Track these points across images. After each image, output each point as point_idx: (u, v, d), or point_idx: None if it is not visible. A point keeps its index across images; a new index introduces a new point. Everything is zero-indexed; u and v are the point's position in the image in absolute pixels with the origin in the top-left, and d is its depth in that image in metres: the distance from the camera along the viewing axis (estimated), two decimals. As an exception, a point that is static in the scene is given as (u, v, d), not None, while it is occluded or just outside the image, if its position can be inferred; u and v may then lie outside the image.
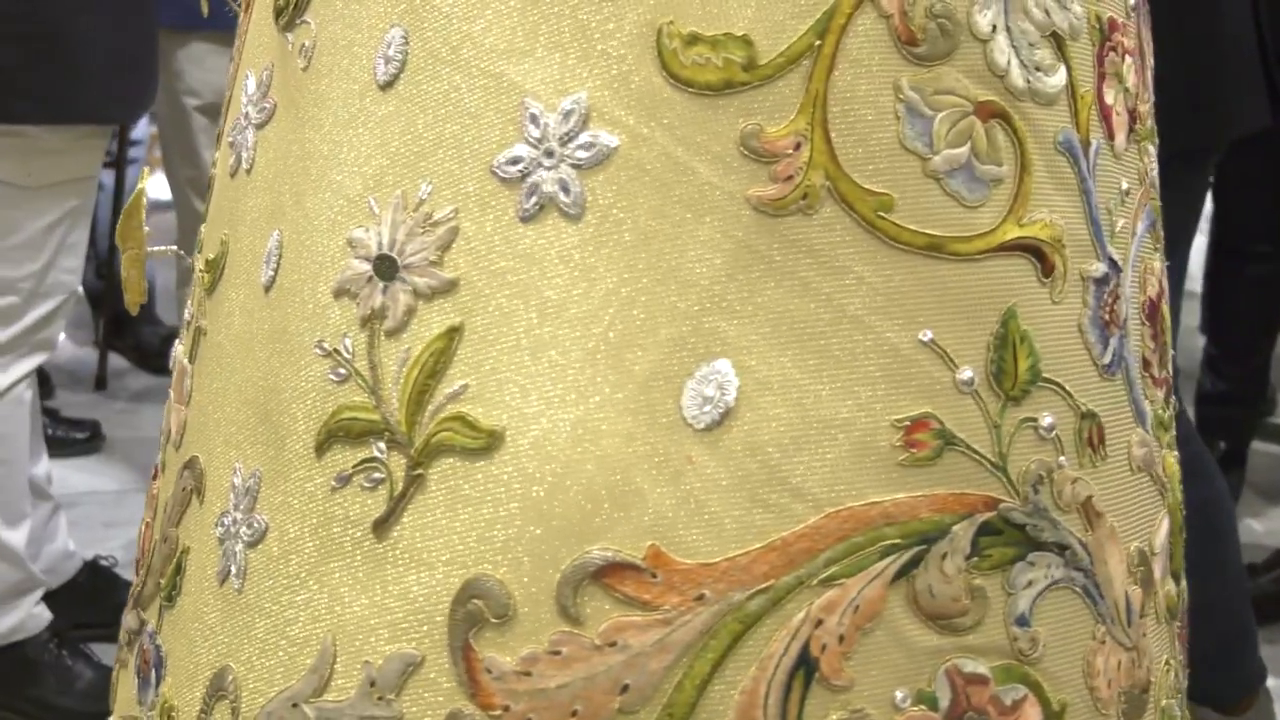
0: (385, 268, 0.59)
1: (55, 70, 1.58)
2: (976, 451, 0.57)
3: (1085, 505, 0.60)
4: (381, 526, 0.58)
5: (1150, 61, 0.70)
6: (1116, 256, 0.63)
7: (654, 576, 0.54)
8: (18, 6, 1.56)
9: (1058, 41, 0.60)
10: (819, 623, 0.54)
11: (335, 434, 0.60)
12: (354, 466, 0.59)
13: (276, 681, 0.59)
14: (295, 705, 0.58)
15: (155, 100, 1.90)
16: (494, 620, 0.55)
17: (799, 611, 0.54)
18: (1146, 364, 0.65)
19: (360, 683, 0.57)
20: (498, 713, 0.54)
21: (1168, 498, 0.67)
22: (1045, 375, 0.59)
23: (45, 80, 1.58)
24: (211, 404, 0.68)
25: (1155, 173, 0.70)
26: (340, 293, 0.60)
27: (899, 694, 0.55)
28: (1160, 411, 0.67)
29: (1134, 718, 0.62)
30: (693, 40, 0.56)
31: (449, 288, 0.58)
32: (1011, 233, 0.58)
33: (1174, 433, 0.71)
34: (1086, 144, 0.61)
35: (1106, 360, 0.61)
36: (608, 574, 0.54)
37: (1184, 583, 0.69)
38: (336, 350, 0.60)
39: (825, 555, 0.54)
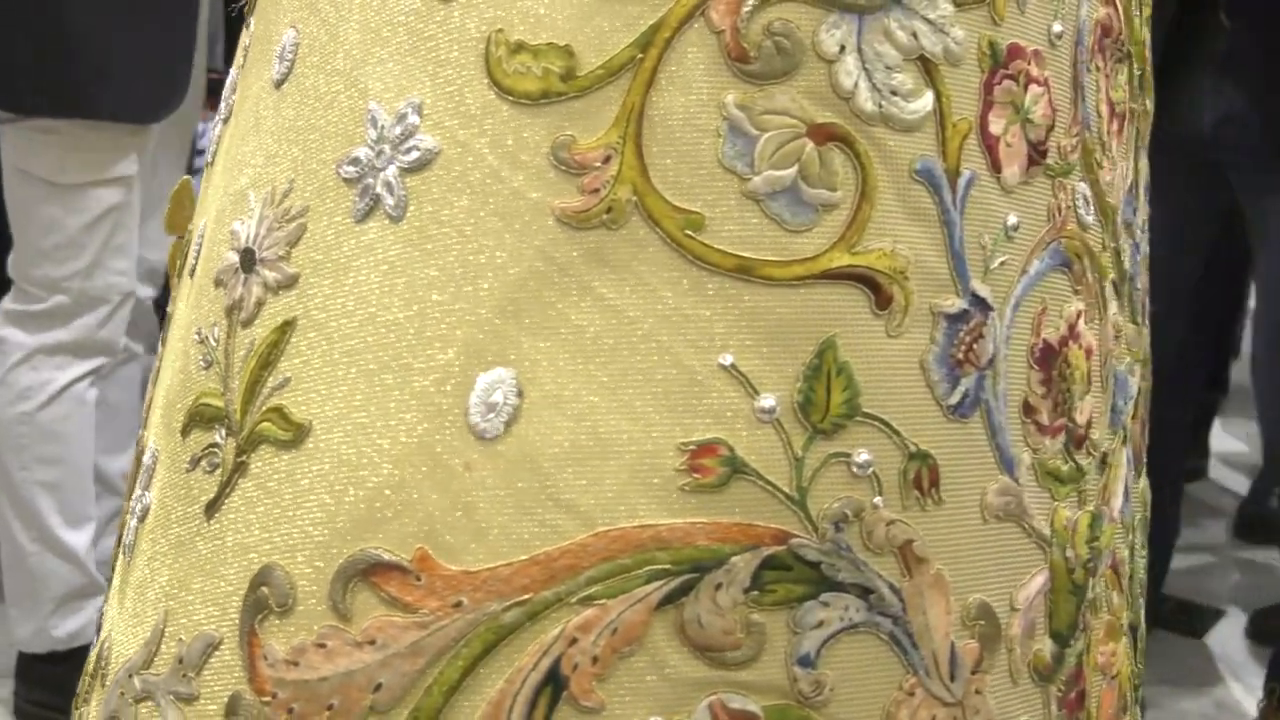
0: (247, 260, 0.62)
1: (70, 67, 1.65)
2: (770, 483, 0.55)
3: (903, 549, 0.57)
4: (210, 510, 0.60)
5: (1091, 94, 0.66)
6: (986, 294, 0.60)
7: (418, 579, 0.54)
8: (34, 2, 1.63)
9: (926, 66, 0.58)
10: (573, 641, 0.54)
11: (194, 418, 0.63)
12: (202, 450, 0.61)
13: (128, 652, 0.63)
14: (130, 676, 0.61)
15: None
16: (276, 609, 0.56)
17: (554, 628, 0.54)
18: (1030, 410, 0.62)
19: (172, 659, 0.59)
20: (267, 699, 0.56)
21: (1051, 553, 0.63)
22: (867, 410, 0.56)
23: (59, 76, 1.65)
24: (157, 388, 0.72)
25: (1089, 210, 0.66)
26: (218, 283, 0.63)
27: None
28: (1056, 463, 0.63)
29: None
30: (518, 49, 0.56)
31: (291, 282, 0.60)
32: (839, 260, 0.56)
33: (1097, 487, 0.67)
34: (955, 174, 0.59)
35: (953, 401, 0.58)
36: (376, 573, 0.55)
37: (1079, 644, 0.65)
38: (206, 338, 0.63)
39: (588, 574, 0.54)
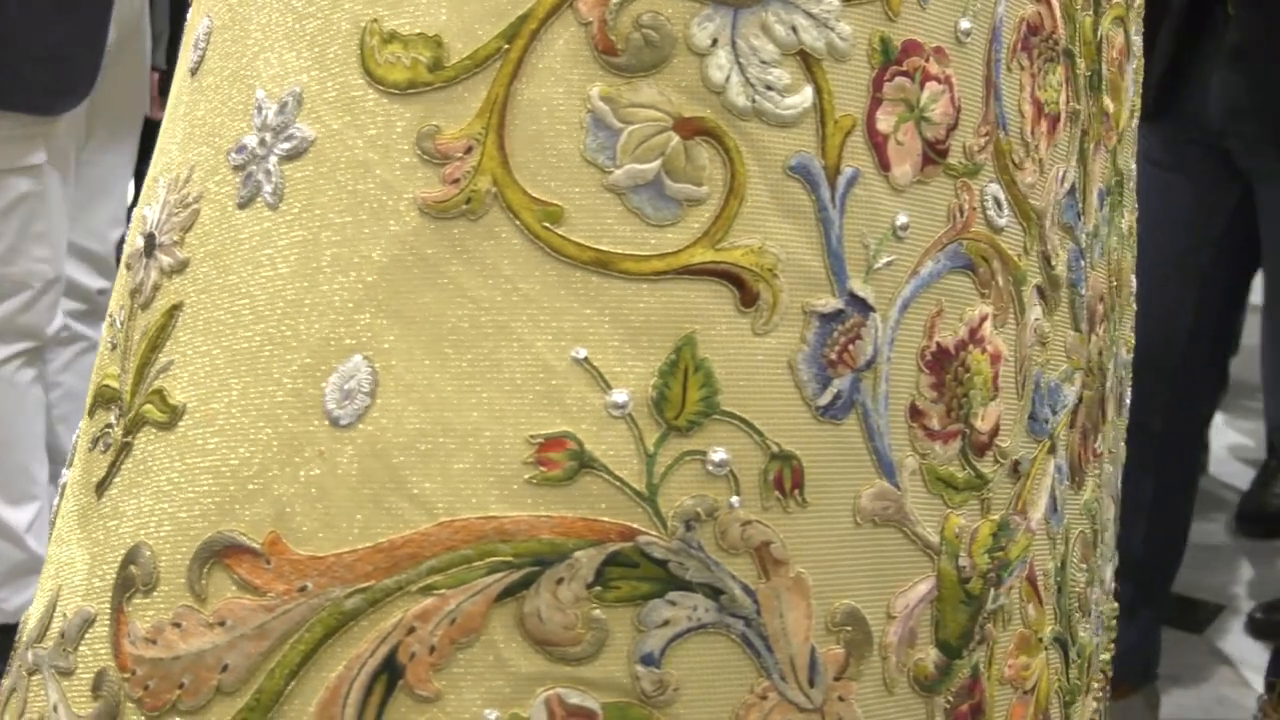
0: (149, 245, 0.63)
1: None
2: (619, 478, 0.55)
3: (759, 550, 0.56)
4: (100, 489, 0.61)
5: (1011, 94, 0.65)
6: (867, 294, 0.58)
7: (268, 563, 0.55)
8: None
9: (807, 61, 0.57)
10: (411, 630, 0.54)
11: (97, 398, 0.64)
12: (100, 430, 0.63)
13: (29, 625, 0.64)
14: (28, 648, 0.63)
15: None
16: (142, 588, 0.58)
17: (394, 616, 0.54)
18: (918, 413, 0.60)
19: (58, 633, 0.61)
20: (127, 675, 0.57)
21: (939, 561, 0.62)
22: (726, 409, 0.56)
23: None
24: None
25: (1002, 213, 0.64)
26: (127, 266, 0.65)
27: (489, 714, 0.54)
28: (950, 469, 0.62)
29: None
30: (390, 39, 0.57)
31: (181, 267, 0.61)
32: (701, 256, 0.56)
33: (1007, 495, 0.65)
34: (835, 171, 0.58)
35: (823, 402, 0.57)
36: (229, 555, 0.56)
37: (975, 655, 0.64)
38: (114, 320, 0.65)
39: (430, 563, 0.54)
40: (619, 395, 0.55)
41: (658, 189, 0.55)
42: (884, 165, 0.59)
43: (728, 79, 0.56)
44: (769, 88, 0.56)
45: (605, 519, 0.54)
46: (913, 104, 0.60)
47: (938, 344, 0.61)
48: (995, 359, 0.64)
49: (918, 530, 0.61)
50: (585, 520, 0.54)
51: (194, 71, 0.64)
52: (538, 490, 0.54)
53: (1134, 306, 0.93)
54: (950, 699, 0.63)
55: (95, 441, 0.63)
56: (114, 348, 0.64)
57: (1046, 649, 0.70)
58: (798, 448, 0.57)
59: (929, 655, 0.62)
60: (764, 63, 0.56)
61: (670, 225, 0.55)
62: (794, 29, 0.57)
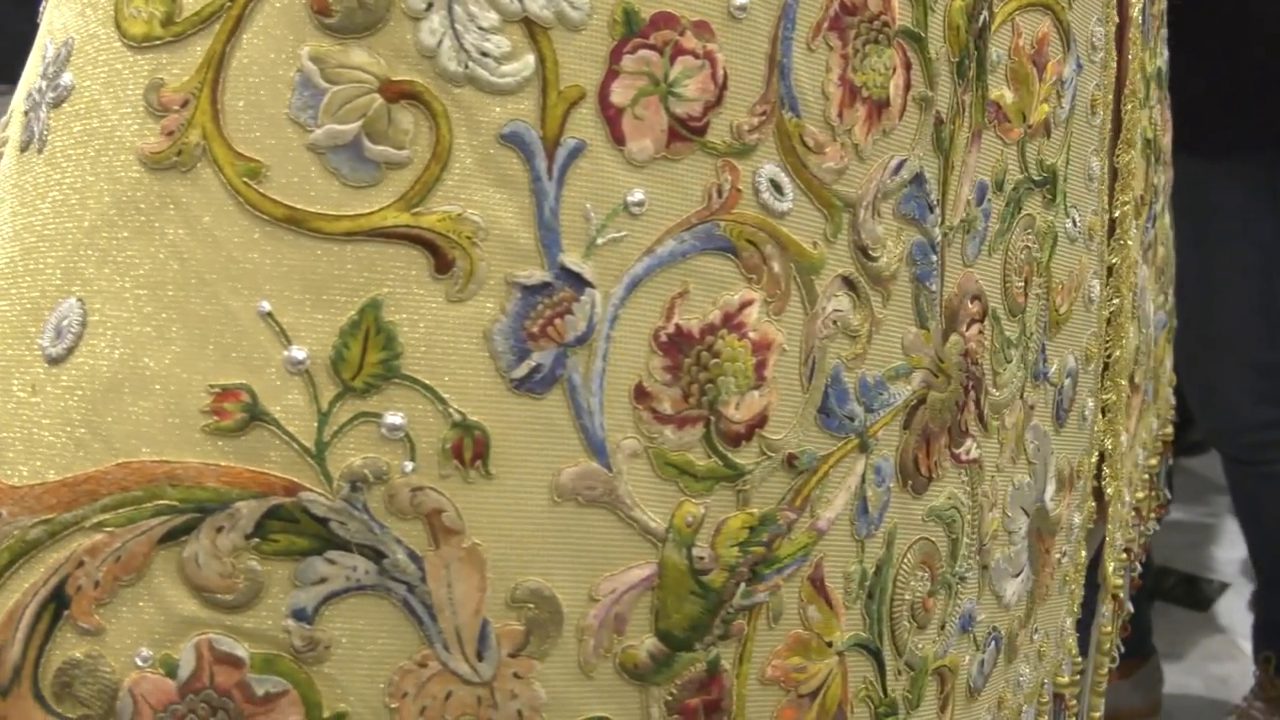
0: None
1: None
2: (289, 434, 0.55)
3: (431, 518, 0.56)
4: None
5: (806, 74, 0.62)
6: (584, 269, 0.57)
7: None
8: None
9: (532, 30, 0.56)
10: (80, 564, 0.56)
11: None
12: None
13: None
14: None
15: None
16: None
17: (68, 549, 0.56)
18: (645, 395, 0.59)
19: None
20: None
21: (664, 549, 0.60)
22: (408, 373, 0.56)
23: None
24: None
25: (784, 197, 0.62)
26: None
27: (144, 652, 0.56)
28: (686, 455, 0.60)
29: None
30: None
31: None
32: (394, 219, 0.56)
33: (779, 490, 0.63)
34: (554, 142, 0.57)
35: (519, 374, 0.57)
36: None
37: (713, 651, 0.62)
38: None
39: (104, 501, 0.56)
40: (297, 352, 0.55)
41: (356, 150, 0.55)
42: (617, 139, 0.58)
43: (440, 43, 0.56)
44: (485, 54, 0.56)
45: (272, 472, 0.55)
46: (658, 78, 0.58)
47: (677, 326, 0.59)
48: (761, 347, 0.62)
49: (634, 514, 0.59)
50: (252, 472, 0.55)
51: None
52: (211, 439, 0.55)
53: (1100, 314, 0.88)
54: (674, 691, 0.61)
55: None
56: None
57: (841, 654, 0.68)
58: (485, 419, 0.56)
59: (643, 643, 0.60)
60: (482, 29, 0.56)
61: (368, 187, 0.56)
62: None
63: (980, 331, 0.74)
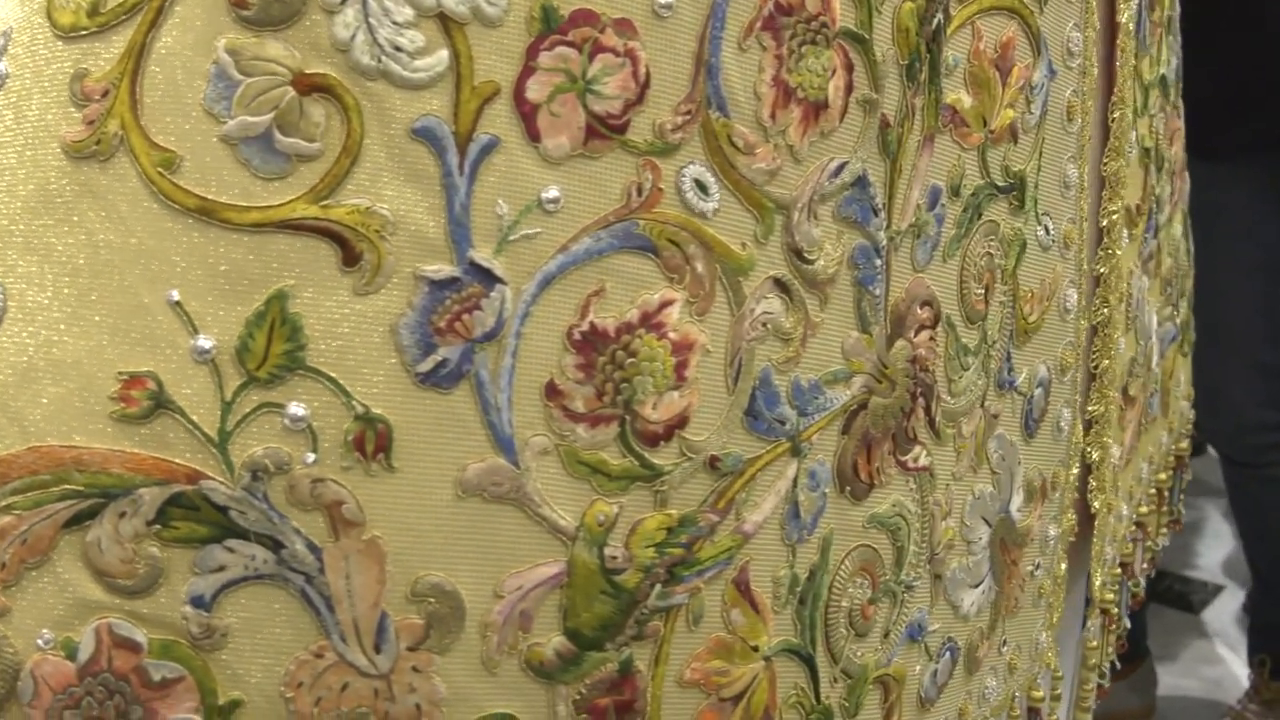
0: None
1: None
2: (193, 422, 0.56)
3: (331, 510, 0.56)
4: None
5: (737, 74, 0.62)
6: (494, 265, 0.57)
7: None
8: None
9: (446, 24, 0.57)
10: None
11: None
12: None
13: None
14: None
15: None
16: None
17: None
18: (556, 393, 0.59)
19: None
20: None
21: (573, 547, 0.60)
22: (312, 365, 0.56)
23: None
24: None
25: (710, 197, 0.62)
26: None
27: (45, 634, 0.56)
28: (599, 454, 0.60)
29: None
30: None
31: None
32: (302, 211, 0.56)
33: (701, 491, 0.63)
34: (467, 138, 0.57)
35: (424, 369, 0.57)
36: None
37: (626, 651, 0.62)
38: None
39: (14, 484, 0.57)
40: (203, 341, 0.56)
41: (267, 142, 0.56)
42: (533, 136, 0.58)
43: (353, 37, 0.56)
44: (398, 49, 0.56)
45: (175, 460, 0.56)
46: (576, 75, 0.58)
47: (591, 324, 0.59)
48: (682, 347, 0.61)
49: (543, 512, 0.59)
50: (155, 459, 0.56)
51: None
52: (118, 425, 0.56)
53: (1079, 324, 0.87)
54: (583, 690, 0.61)
55: None
56: None
57: (769, 659, 0.67)
58: (389, 412, 0.57)
59: (550, 641, 0.60)
60: (396, 24, 0.56)
61: (278, 179, 0.56)
62: None
63: (931, 338, 0.73)
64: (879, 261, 0.69)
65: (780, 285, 0.65)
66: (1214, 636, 2.96)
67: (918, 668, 0.78)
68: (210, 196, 0.56)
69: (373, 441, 0.57)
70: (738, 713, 0.66)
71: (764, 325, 0.64)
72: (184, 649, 0.56)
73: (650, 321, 0.61)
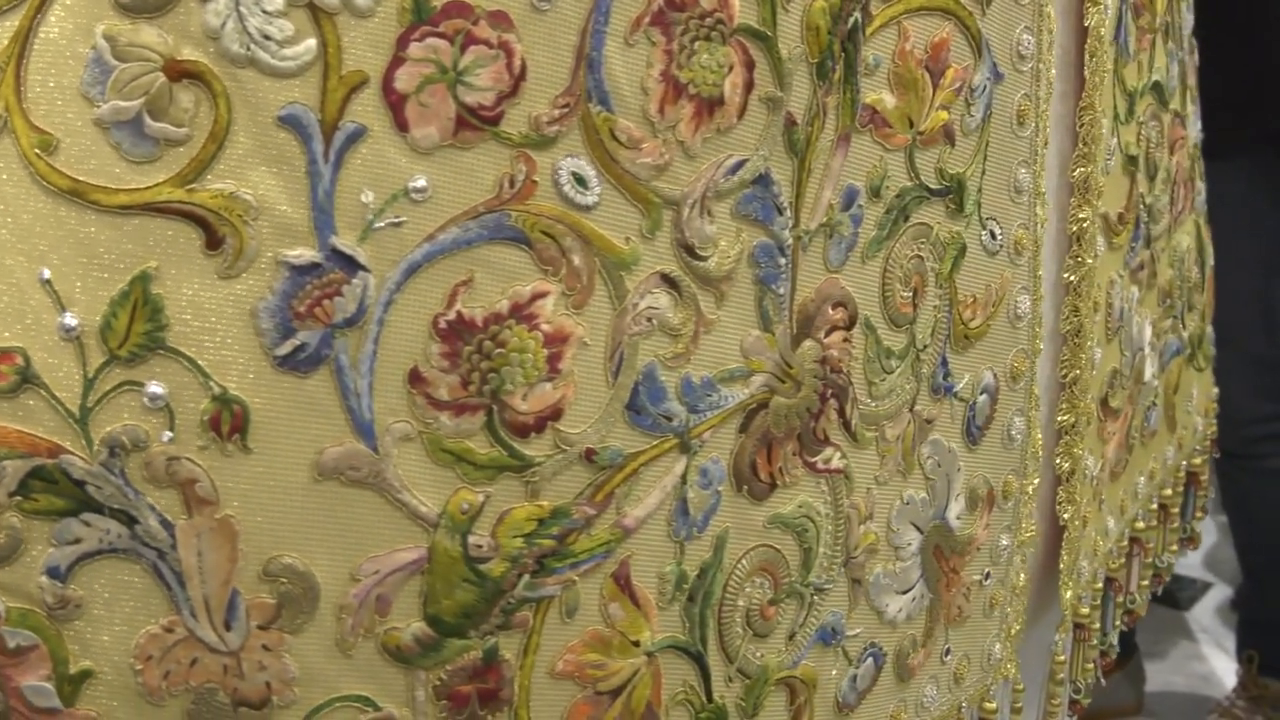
0: None
1: None
2: (56, 397, 0.57)
3: (185, 487, 0.58)
4: None
5: (622, 69, 0.62)
6: (357, 253, 0.58)
7: None
8: None
9: (316, 14, 0.58)
10: None
11: None
12: None
13: None
14: None
15: None
16: None
17: None
18: (420, 380, 0.60)
19: None
20: None
21: (435, 534, 0.61)
22: (172, 345, 0.57)
23: None
24: None
25: (590, 192, 0.62)
26: None
27: None
28: (464, 443, 0.61)
29: None
30: None
31: None
32: (168, 195, 0.57)
33: (576, 485, 0.63)
34: (333, 126, 0.58)
35: (283, 352, 0.58)
36: None
37: (491, 640, 0.62)
38: None
39: None
40: (70, 319, 0.57)
41: (137, 127, 0.57)
42: (401, 125, 0.58)
43: (224, 25, 0.57)
44: (267, 37, 0.57)
45: (39, 434, 0.57)
46: (446, 66, 0.59)
47: (458, 313, 0.60)
48: (556, 339, 0.62)
49: (403, 497, 0.60)
50: (19, 432, 0.57)
51: None
52: None
53: (1033, 331, 0.85)
54: (443, 676, 0.62)
55: None
56: None
57: (652, 655, 0.67)
58: (247, 394, 0.58)
59: (409, 626, 0.61)
60: (266, 12, 0.57)
61: (147, 163, 0.57)
62: None
63: (846, 339, 0.73)
64: (783, 260, 0.69)
65: (668, 281, 0.65)
66: (1202, 633, 2.97)
67: (833, 671, 0.77)
68: (82, 178, 0.57)
69: (228, 422, 0.58)
70: (617, 706, 0.66)
71: (649, 320, 0.64)
72: (39, 618, 0.58)
73: (521, 313, 0.61)
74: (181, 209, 0.57)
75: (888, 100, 0.73)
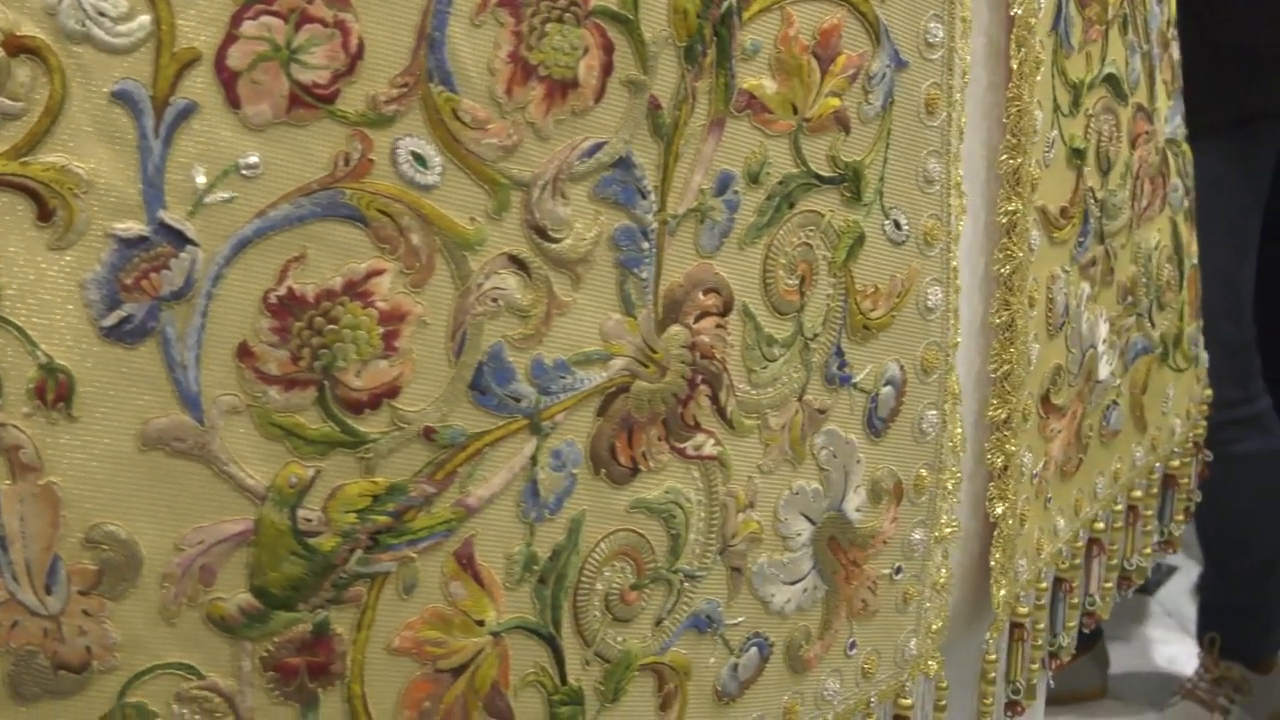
0: None
1: None
2: None
3: (10, 454, 0.59)
4: None
5: (467, 50, 0.62)
6: (185, 227, 0.59)
7: None
8: None
9: None
10: None
11: None
12: None
13: None
14: None
15: None
16: None
17: None
18: (249, 355, 0.61)
19: None
20: None
21: (263, 507, 0.62)
22: (5, 316, 0.59)
23: None
24: None
25: (431, 171, 0.63)
26: None
27: None
28: (294, 417, 0.61)
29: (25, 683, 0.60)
30: None
31: None
32: (1, 168, 0.59)
33: (415, 462, 0.64)
34: (164, 102, 0.59)
35: (109, 324, 0.59)
36: None
37: (323, 614, 0.63)
38: None
39: None
40: None
41: None
42: (233, 102, 0.59)
43: (60, 1, 0.58)
44: (102, 14, 0.58)
45: None
46: (279, 44, 0.59)
47: (289, 289, 0.61)
48: (392, 317, 0.62)
49: (229, 470, 0.61)
50: None
51: None
52: None
53: (947, 324, 0.85)
54: (270, 648, 0.62)
55: None
56: None
57: (499, 635, 0.67)
58: (73, 363, 0.59)
59: (234, 597, 0.62)
60: None
61: None
62: None
63: (720, 325, 0.72)
64: (647, 244, 0.69)
65: (516, 262, 0.65)
66: (1166, 616, 3.00)
67: (711, 660, 0.77)
68: None
69: (53, 390, 0.59)
70: (459, 685, 0.67)
71: (494, 301, 0.65)
72: None
73: (355, 290, 0.62)
74: (13, 181, 0.58)
75: (768, 86, 0.72)
